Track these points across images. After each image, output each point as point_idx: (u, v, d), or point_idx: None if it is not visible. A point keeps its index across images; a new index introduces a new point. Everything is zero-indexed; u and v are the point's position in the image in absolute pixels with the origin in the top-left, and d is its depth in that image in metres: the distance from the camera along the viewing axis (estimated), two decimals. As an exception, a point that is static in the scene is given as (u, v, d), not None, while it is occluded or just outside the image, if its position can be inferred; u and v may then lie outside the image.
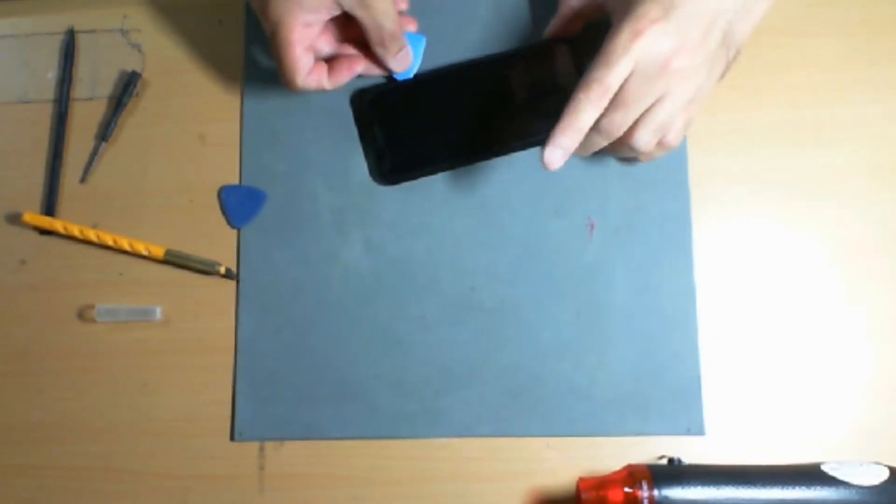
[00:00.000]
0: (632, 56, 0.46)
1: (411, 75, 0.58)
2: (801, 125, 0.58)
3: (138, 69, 0.61)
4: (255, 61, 0.60)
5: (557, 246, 0.57)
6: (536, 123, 0.56)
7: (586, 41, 0.54)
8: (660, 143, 0.51)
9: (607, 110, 0.48)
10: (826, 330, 0.56)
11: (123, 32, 0.62)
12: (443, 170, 0.58)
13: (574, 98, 0.48)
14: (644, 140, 0.49)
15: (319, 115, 0.59)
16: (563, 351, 0.56)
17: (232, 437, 0.56)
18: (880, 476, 0.49)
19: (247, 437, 0.56)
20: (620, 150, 0.51)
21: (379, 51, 0.55)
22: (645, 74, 0.47)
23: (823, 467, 0.50)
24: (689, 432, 0.54)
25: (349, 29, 0.55)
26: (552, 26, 0.56)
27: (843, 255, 0.56)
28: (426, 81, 0.59)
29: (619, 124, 0.48)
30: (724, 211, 0.57)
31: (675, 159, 0.57)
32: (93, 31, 0.62)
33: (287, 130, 0.59)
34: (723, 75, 0.50)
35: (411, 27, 0.58)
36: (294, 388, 0.56)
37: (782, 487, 0.49)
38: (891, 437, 0.54)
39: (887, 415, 0.55)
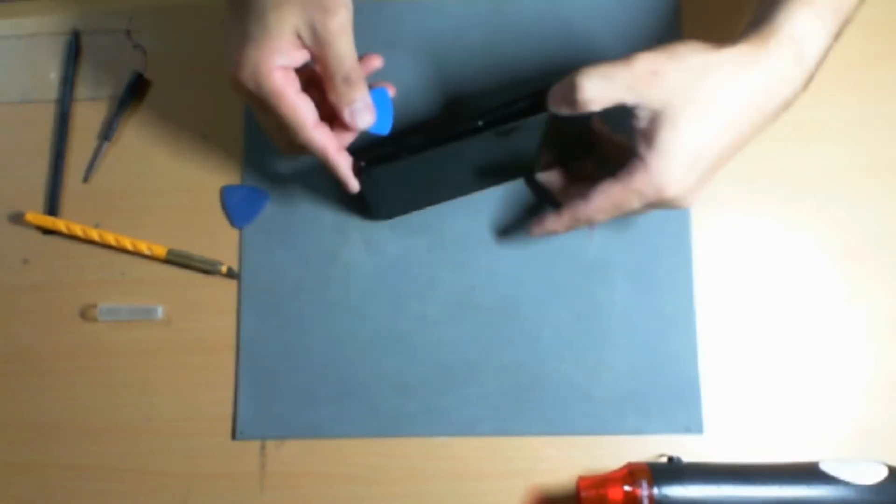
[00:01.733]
0: (611, 211, 0.49)
1: (387, 132, 0.51)
2: (801, 125, 0.58)
3: (141, 69, 0.61)
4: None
5: (557, 246, 0.57)
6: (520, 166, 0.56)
7: None
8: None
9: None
10: (826, 330, 0.56)
11: (126, 33, 0.62)
12: (429, 205, 0.58)
13: (553, 218, 0.51)
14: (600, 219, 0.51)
15: (321, 116, 0.59)
16: (563, 350, 0.56)
17: (233, 436, 0.57)
18: (879, 474, 0.49)
19: (248, 435, 0.56)
20: None
21: (332, 98, 0.48)
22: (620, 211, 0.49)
23: (822, 465, 0.50)
24: (688, 431, 0.55)
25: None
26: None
27: (843, 255, 0.56)
28: (416, 142, 0.51)
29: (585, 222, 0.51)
30: (724, 211, 0.57)
31: (675, 159, 0.57)
32: (95, 32, 0.62)
33: (288, 130, 0.60)
34: None
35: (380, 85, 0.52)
36: (295, 386, 0.57)
37: (781, 485, 0.49)
38: (891, 437, 0.54)
39: (887, 415, 0.55)
